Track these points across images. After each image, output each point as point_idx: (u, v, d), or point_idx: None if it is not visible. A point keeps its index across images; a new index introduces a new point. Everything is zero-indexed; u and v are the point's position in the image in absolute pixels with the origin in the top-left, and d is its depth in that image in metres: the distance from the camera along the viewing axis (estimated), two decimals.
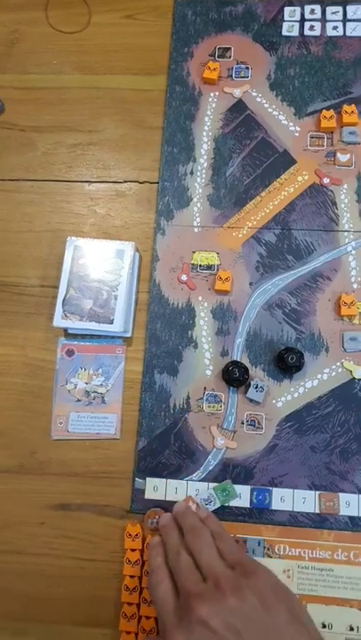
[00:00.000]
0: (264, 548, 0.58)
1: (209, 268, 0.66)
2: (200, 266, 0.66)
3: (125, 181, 0.70)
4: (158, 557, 0.50)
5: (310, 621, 0.44)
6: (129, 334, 0.64)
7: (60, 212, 0.70)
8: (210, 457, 0.61)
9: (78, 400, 0.63)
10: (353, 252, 0.65)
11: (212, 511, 0.59)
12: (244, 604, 0.42)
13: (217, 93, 0.72)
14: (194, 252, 0.67)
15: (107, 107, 0.73)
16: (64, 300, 0.63)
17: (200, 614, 0.41)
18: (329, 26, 0.72)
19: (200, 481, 0.60)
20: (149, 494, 0.61)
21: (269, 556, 0.58)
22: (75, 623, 0.58)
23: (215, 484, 0.60)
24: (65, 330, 0.65)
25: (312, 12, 0.73)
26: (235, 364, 0.62)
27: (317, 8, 0.73)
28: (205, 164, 0.69)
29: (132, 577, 0.57)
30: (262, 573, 0.46)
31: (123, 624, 0.57)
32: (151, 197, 0.69)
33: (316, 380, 0.62)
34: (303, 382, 0.62)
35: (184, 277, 0.66)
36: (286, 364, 0.61)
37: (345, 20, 0.72)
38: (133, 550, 0.58)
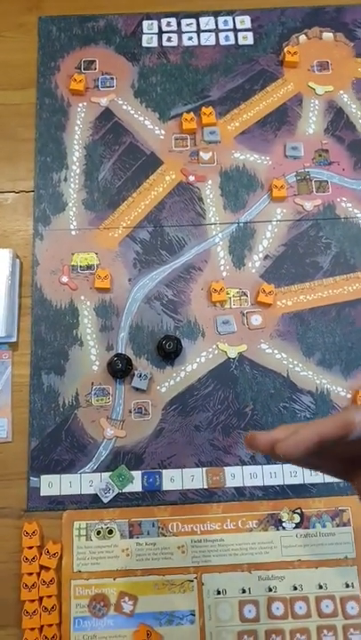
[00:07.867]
0: (158, 528, 0.61)
1: (89, 267, 0.69)
2: (80, 267, 0.69)
3: (2, 192, 0.72)
4: None
5: None
6: (14, 339, 0.66)
7: None
8: (101, 448, 0.63)
9: None
10: (220, 242, 0.70)
11: (111, 499, 0.62)
12: None
13: (85, 103, 0.75)
14: (73, 254, 0.69)
15: None
16: None
17: None
18: (185, 37, 0.78)
19: (93, 472, 0.62)
20: (45, 491, 0.62)
21: (164, 535, 0.61)
22: None
23: (110, 473, 0.62)
24: None
25: (168, 24, 0.78)
26: (118, 356, 0.65)
27: (173, 20, 0.78)
28: (78, 171, 0.72)
29: (30, 574, 0.58)
30: None
31: (25, 621, 0.58)
32: (28, 205, 0.71)
33: (195, 364, 0.66)
34: (184, 367, 0.66)
35: (65, 279, 0.68)
36: (165, 350, 0.64)
37: (199, 30, 0.78)
38: (30, 548, 0.59)
